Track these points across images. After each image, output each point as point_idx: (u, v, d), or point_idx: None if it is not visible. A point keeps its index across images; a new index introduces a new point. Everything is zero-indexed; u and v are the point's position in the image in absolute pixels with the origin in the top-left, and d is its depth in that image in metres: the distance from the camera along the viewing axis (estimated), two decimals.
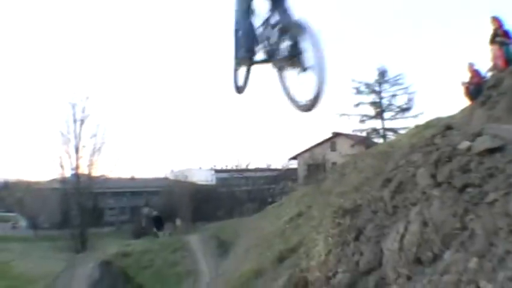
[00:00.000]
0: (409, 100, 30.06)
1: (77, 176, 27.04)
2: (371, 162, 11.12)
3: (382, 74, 30.26)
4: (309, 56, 2.97)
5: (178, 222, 49.57)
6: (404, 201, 4.56)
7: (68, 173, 27.81)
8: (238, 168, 62.95)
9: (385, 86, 30.17)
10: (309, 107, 3.00)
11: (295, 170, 45.06)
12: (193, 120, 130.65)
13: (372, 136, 30.28)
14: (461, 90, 10.93)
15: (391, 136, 28.26)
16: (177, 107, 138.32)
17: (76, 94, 28.93)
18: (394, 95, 30.13)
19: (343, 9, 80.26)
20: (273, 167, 64.80)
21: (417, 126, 15.24)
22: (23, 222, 67.08)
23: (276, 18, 3.33)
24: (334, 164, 25.46)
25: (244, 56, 3.54)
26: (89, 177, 26.92)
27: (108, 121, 41.99)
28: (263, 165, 66.46)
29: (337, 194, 10.05)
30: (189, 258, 21.47)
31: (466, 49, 58.52)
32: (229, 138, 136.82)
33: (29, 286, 22.33)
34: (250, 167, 63.21)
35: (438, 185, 4.35)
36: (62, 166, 27.05)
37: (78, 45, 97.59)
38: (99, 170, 27.93)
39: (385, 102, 30.18)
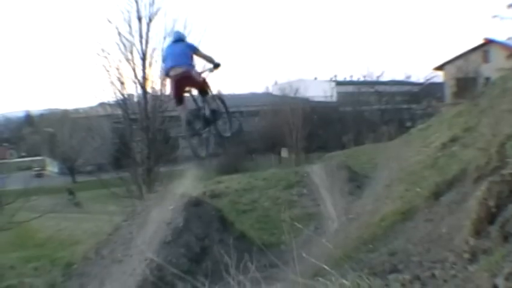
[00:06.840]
0: None
1: (144, 92, 19.11)
2: None
3: None
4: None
5: (284, 153, 41.12)
6: None
7: (130, 91, 19.63)
8: (368, 80, 50.64)
9: None
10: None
11: (440, 84, 39.16)
12: (304, 15, 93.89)
13: None
14: None
15: None
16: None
17: None
18: None
19: None
20: (413, 79, 52.28)
21: None
22: (53, 168, 53.88)
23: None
24: (487, 79, 22.80)
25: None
26: (160, 95, 19.04)
27: (188, 17, 30.37)
28: (400, 77, 53.58)
29: (506, 111, 8.32)
30: (308, 197, 17.56)
31: None
32: (356, 40, 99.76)
33: (62, 253, 17.05)
34: (384, 78, 50.71)
35: None
36: (121, 81, 18.78)
37: None
38: None
39: None
